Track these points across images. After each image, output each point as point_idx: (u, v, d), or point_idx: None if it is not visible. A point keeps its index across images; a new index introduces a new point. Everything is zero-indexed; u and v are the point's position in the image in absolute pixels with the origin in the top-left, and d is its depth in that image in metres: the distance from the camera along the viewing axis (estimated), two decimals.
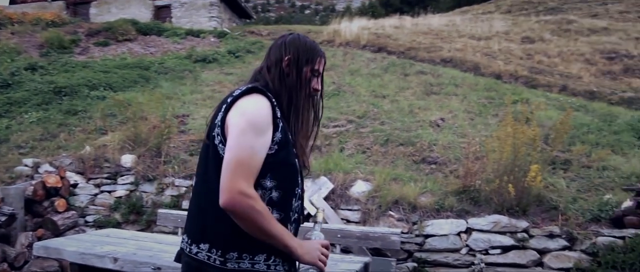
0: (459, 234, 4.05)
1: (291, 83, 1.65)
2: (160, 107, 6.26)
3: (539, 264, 3.80)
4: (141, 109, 6.22)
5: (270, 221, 1.49)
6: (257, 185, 1.51)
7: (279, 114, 1.56)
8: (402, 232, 4.06)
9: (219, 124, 1.54)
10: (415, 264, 4.02)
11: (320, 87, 1.71)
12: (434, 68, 9.59)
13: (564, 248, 3.78)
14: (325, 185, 4.74)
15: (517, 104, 7.22)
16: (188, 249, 1.59)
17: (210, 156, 1.56)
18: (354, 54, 10.58)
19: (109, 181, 5.37)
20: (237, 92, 1.56)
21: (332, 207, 4.61)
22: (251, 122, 1.49)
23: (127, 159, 5.47)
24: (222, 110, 1.55)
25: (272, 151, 1.53)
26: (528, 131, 4.24)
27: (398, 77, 8.98)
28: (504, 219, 3.99)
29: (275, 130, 1.53)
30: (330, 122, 6.86)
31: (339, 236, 3.98)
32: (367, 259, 3.31)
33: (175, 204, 5.14)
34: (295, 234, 1.66)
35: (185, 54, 10.73)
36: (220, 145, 1.53)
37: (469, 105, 7.40)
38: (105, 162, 5.51)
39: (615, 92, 9.34)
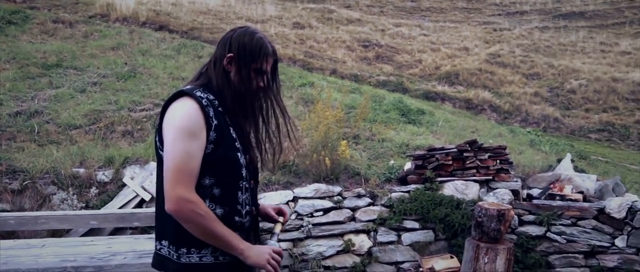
0: (287, 202, 4.71)
1: (233, 82, 1.66)
2: None
3: (353, 219, 4.74)
4: None
5: (213, 222, 1.56)
6: (197, 185, 1.58)
7: (211, 113, 1.59)
8: None
9: (158, 130, 1.65)
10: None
11: (264, 85, 1.71)
12: None
13: (369, 204, 4.79)
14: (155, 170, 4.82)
15: (306, 87, 8.27)
16: (155, 245, 1.73)
17: (158, 161, 1.68)
18: (141, 33, 10.22)
19: None
20: (169, 97, 1.64)
21: None
22: (182, 128, 1.54)
23: None
24: (159, 116, 1.65)
25: (209, 150, 1.59)
26: (337, 113, 5.14)
27: (192, 59, 9.13)
28: (322, 187, 4.80)
29: (208, 129, 1.58)
30: (136, 105, 6.73)
31: None
32: None
33: None
34: (254, 227, 1.76)
35: None
36: (161, 152, 1.63)
37: None
38: None
39: (372, 75, 11.30)
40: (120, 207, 4.55)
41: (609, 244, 4.31)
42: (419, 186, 4.86)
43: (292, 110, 7.01)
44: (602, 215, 4.36)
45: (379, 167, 5.40)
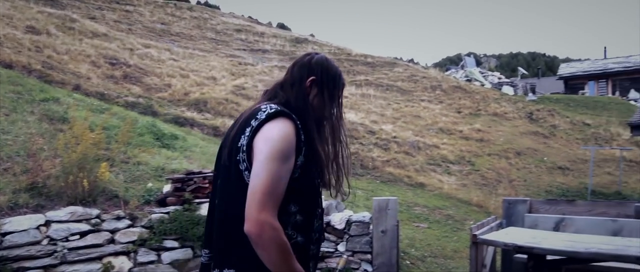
0: (38, 227, 4.42)
1: (313, 104, 1.65)
2: None
3: (112, 241, 4.72)
4: None
5: (289, 256, 1.45)
6: (282, 210, 1.48)
7: (302, 137, 1.55)
8: None
9: (244, 149, 1.52)
10: None
11: (339, 112, 1.72)
12: None
13: (129, 226, 4.85)
14: None
15: (49, 102, 7.63)
16: None
17: (233, 180, 1.53)
18: None
19: None
20: (261, 116, 1.54)
21: None
22: (278, 150, 1.47)
23: None
24: (247, 134, 1.53)
25: (296, 175, 1.52)
26: (97, 135, 5.07)
27: None
28: (79, 209, 4.67)
29: (298, 154, 1.52)
30: None
31: None
32: None
33: None
34: (317, 253, 1.70)
35: None
36: (245, 172, 1.51)
37: None
38: None
39: (120, 95, 11.00)
40: None
41: (333, 250, 5.42)
42: (178, 207, 5.16)
43: (36, 127, 6.44)
44: (329, 227, 5.46)
45: (136, 189, 5.49)
